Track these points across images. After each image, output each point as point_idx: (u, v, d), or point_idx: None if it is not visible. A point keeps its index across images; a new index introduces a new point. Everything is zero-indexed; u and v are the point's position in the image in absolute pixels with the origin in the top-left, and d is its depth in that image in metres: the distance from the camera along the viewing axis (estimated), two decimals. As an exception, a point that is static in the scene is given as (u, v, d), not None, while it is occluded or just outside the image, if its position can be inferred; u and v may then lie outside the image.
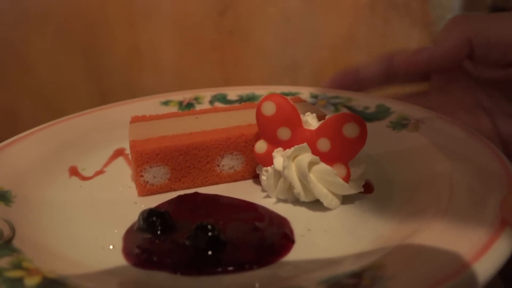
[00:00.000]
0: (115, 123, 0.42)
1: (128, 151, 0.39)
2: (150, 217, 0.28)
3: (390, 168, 0.36)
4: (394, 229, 0.28)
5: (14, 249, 0.26)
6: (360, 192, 0.32)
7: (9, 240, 0.27)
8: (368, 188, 0.33)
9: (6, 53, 1.01)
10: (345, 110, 0.43)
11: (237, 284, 0.24)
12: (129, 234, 0.29)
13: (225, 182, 0.35)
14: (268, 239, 0.28)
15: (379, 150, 0.37)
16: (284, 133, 0.32)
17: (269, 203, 0.32)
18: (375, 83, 0.46)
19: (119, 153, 0.40)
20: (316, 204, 0.31)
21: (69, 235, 0.29)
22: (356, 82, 0.45)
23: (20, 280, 0.23)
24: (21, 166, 0.35)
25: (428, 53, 0.38)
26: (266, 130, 0.32)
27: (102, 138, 0.41)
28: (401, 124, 0.40)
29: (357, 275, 0.24)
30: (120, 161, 0.39)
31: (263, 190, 0.33)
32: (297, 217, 0.30)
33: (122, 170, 0.37)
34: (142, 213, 0.29)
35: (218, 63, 0.87)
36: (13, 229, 0.28)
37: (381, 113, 0.41)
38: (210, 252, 0.26)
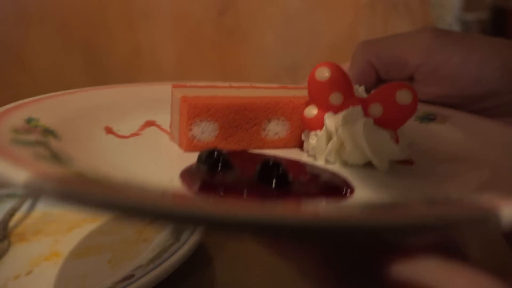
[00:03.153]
0: (145, 99, 0.42)
1: (159, 122, 0.39)
2: (212, 155, 0.28)
3: (424, 148, 0.36)
4: (453, 186, 0.28)
5: (79, 166, 0.26)
6: (403, 163, 0.32)
7: (71, 161, 0.26)
8: (408, 161, 0.34)
9: (6, 53, 1.01)
10: None
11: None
12: (187, 172, 0.28)
13: (268, 147, 0.35)
14: (330, 182, 0.28)
15: (411, 133, 0.38)
16: (336, 98, 0.33)
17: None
18: None
19: (150, 123, 0.40)
20: (364, 168, 0.32)
21: (124, 170, 0.29)
22: None
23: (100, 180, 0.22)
24: (60, 115, 0.35)
25: None
26: (319, 94, 0.33)
27: (132, 109, 0.41)
28: (428, 119, 0.40)
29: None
30: (153, 129, 0.39)
31: (309, 156, 0.34)
32: (349, 176, 0.31)
33: (159, 134, 0.38)
34: (203, 151, 0.29)
35: (218, 63, 0.87)
36: (69, 156, 0.28)
37: None
38: (277, 186, 0.26)
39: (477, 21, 0.80)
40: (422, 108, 0.43)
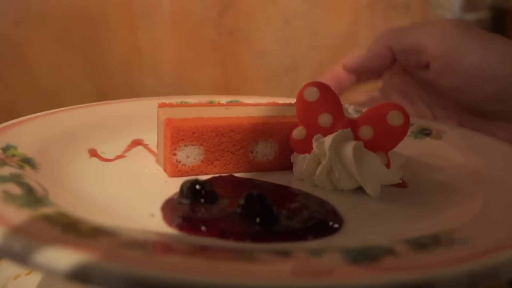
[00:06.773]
0: (132, 116, 0.41)
1: (147, 141, 0.38)
2: (195, 186, 0.27)
3: (419, 167, 0.35)
4: (447, 215, 0.27)
5: (53, 203, 0.24)
6: (396, 186, 0.31)
7: (45, 196, 0.25)
8: (402, 183, 0.32)
9: (6, 53, 1.00)
10: None
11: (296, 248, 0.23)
12: (168, 205, 0.27)
13: (256, 170, 0.34)
14: (317, 214, 0.27)
15: (405, 152, 0.37)
16: (325, 119, 0.32)
17: (306, 190, 0.31)
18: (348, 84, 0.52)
19: (137, 142, 0.39)
20: (354, 192, 0.31)
21: (102, 204, 0.27)
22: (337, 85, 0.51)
23: (72, 225, 0.21)
24: (40, 140, 0.34)
25: (358, 59, 0.47)
26: (307, 116, 0.32)
27: (120, 128, 0.39)
28: (423, 133, 0.40)
29: (434, 236, 0.22)
30: (140, 149, 0.38)
31: (298, 179, 0.32)
32: (339, 202, 0.29)
33: (145, 156, 0.36)
34: (185, 182, 0.28)
35: (218, 63, 0.87)
36: (45, 190, 0.26)
37: None
38: (261, 221, 0.25)
39: (477, 21, 0.80)
40: (417, 122, 0.42)
